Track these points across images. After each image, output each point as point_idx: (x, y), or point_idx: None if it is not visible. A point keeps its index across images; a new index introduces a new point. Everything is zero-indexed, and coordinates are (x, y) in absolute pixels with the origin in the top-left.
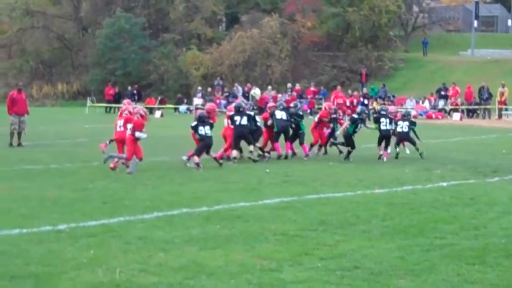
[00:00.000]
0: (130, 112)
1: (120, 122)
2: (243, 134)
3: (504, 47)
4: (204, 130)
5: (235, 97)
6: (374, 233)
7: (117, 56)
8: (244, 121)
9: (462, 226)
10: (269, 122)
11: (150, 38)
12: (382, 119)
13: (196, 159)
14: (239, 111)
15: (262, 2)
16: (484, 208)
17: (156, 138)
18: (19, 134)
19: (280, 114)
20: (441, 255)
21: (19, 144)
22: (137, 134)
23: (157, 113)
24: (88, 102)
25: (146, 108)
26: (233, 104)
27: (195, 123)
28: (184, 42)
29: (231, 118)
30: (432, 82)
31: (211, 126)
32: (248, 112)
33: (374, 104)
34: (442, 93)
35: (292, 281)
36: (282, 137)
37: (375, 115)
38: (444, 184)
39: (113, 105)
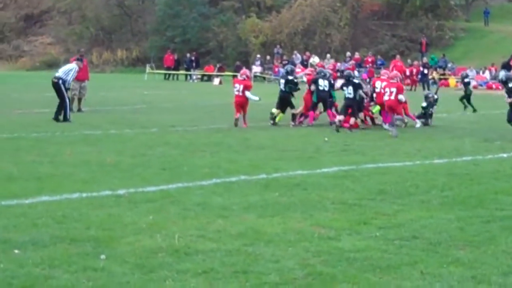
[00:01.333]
0: (247, 77)
1: (239, 87)
2: (325, 99)
3: None
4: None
5: (294, 65)
6: (433, 203)
7: (176, 23)
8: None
9: None
10: (312, 88)
11: (210, 5)
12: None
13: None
14: (324, 76)
15: None
16: None
17: (214, 105)
18: (80, 100)
19: (323, 83)
20: (501, 227)
21: (79, 110)
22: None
23: (216, 81)
24: (147, 69)
25: (204, 75)
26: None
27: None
28: (244, 9)
29: (314, 81)
30: (493, 53)
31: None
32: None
33: (434, 73)
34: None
35: (350, 250)
36: None
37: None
38: (505, 155)
39: (172, 72)
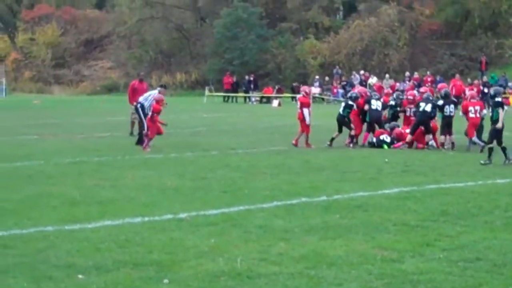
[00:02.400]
0: (306, 93)
1: (299, 103)
2: (378, 118)
3: None
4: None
5: (352, 86)
6: (497, 224)
7: (234, 46)
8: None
9: None
10: (366, 107)
11: (267, 27)
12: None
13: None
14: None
15: None
16: None
17: (274, 127)
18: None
19: (376, 104)
20: None
21: (131, 134)
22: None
23: (275, 102)
24: (207, 92)
25: (263, 97)
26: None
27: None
28: (302, 31)
29: (367, 101)
30: None
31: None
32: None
33: None
34: None
35: (414, 272)
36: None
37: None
38: None
39: (231, 94)
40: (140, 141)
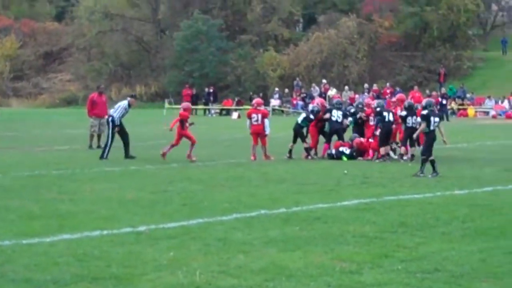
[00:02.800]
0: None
1: (257, 116)
2: (338, 130)
3: None
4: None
5: (312, 98)
6: (455, 235)
7: (194, 58)
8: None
9: None
10: (326, 116)
11: (227, 39)
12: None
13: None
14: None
15: (339, 2)
16: None
17: (234, 140)
18: (99, 136)
19: (336, 114)
20: None
21: (99, 146)
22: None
23: (234, 115)
24: (166, 104)
25: (223, 109)
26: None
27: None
28: (261, 43)
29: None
30: (511, 82)
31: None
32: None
33: (452, 104)
34: None
35: (372, 284)
36: None
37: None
38: None
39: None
40: (103, 155)
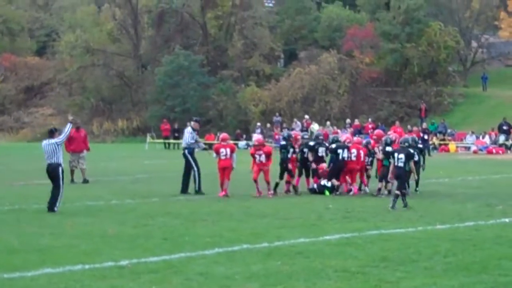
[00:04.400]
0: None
1: (226, 151)
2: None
3: None
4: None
5: None
6: (437, 270)
7: (176, 93)
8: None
9: None
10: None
11: (209, 75)
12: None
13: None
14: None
15: (320, 38)
16: None
17: (214, 174)
18: (82, 170)
19: (322, 150)
20: None
21: (85, 180)
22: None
23: None
24: (148, 138)
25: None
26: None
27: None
28: (243, 78)
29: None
30: (492, 118)
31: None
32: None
33: (434, 139)
34: (504, 127)
35: None
36: None
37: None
38: (507, 220)
39: (172, 141)
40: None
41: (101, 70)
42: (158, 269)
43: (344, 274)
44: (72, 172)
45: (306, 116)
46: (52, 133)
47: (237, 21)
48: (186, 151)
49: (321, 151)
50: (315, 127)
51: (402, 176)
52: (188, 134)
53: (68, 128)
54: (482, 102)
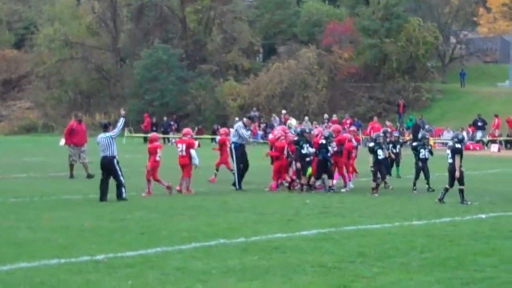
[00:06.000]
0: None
1: (182, 146)
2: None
3: None
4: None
5: (272, 127)
6: (413, 266)
7: (154, 87)
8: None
9: (502, 259)
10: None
11: (188, 69)
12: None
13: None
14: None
15: (299, 33)
16: None
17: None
18: (85, 164)
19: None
20: None
21: (89, 175)
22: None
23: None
24: (126, 132)
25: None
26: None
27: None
28: (222, 73)
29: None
30: (470, 114)
31: None
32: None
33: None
34: (479, 124)
35: None
36: None
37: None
38: (483, 216)
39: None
40: (238, 185)
41: (80, 64)
42: (135, 264)
43: (321, 269)
44: (71, 166)
45: (284, 111)
46: (106, 127)
47: (216, 15)
48: (233, 146)
49: (306, 147)
50: (292, 122)
51: (452, 172)
52: (241, 130)
53: (121, 123)
54: (460, 98)
